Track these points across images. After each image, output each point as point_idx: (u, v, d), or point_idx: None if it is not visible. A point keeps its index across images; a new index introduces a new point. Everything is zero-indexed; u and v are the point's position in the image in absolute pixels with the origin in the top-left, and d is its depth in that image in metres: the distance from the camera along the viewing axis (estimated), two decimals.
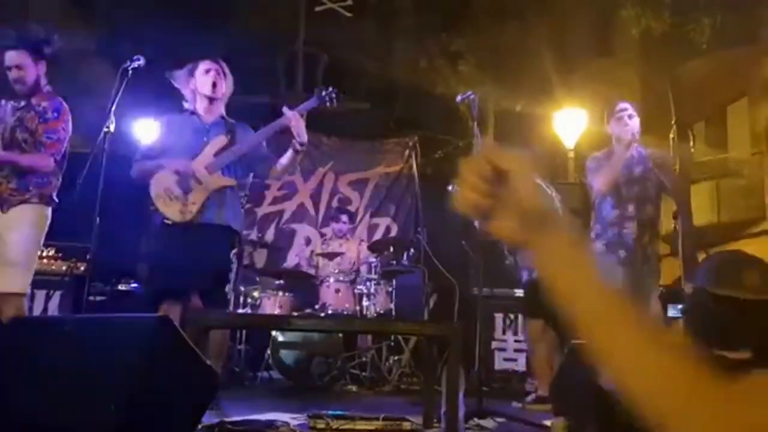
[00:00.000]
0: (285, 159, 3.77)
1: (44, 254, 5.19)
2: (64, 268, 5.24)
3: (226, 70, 3.85)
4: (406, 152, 7.08)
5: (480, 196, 0.68)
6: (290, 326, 4.35)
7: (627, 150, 4.00)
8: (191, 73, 3.81)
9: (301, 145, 3.69)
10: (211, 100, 3.79)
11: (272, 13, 8.12)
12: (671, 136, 7.84)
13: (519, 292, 5.30)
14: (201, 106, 3.81)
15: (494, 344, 5.47)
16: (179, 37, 7.97)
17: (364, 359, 5.45)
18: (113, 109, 3.56)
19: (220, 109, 3.85)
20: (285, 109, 3.70)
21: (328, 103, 3.79)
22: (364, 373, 5.34)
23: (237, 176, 3.80)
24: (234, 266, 3.77)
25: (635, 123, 4.06)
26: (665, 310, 2.03)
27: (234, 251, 3.74)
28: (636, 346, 0.62)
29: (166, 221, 3.63)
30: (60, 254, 5.28)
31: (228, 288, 3.71)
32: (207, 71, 3.77)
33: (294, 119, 3.64)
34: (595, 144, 5.25)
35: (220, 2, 8.34)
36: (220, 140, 3.72)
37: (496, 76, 10.61)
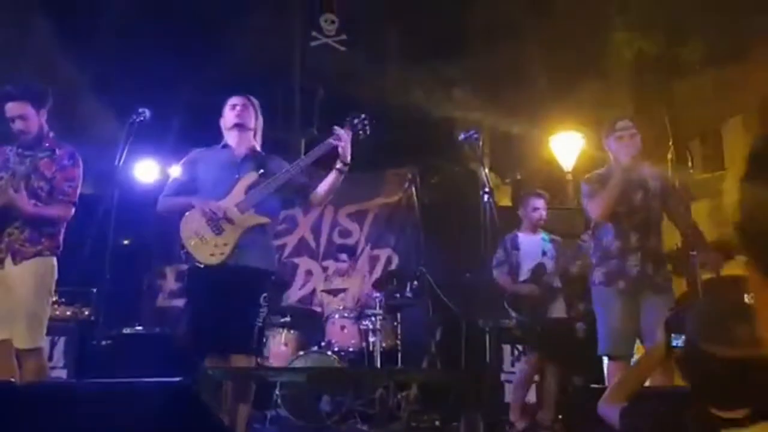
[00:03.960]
0: (327, 182, 3.69)
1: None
2: (68, 313, 5.21)
3: (255, 104, 3.81)
4: (405, 183, 7.10)
5: None
6: (300, 375, 4.30)
7: (626, 173, 3.69)
8: (222, 113, 3.82)
9: (345, 165, 3.64)
10: (239, 128, 3.72)
11: (267, 48, 8.17)
12: (669, 156, 7.87)
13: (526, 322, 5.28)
14: (232, 140, 3.75)
15: (503, 376, 5.44)
16: (175, 72, 8.01)
17: (372, 396, 5.42)
18: (121, 163, 3.54)
19: (251, 142, 3.77)
20: (336, 129, 3.65)
21: (360, 132, 3.71)
22: (372, 411, 5.29)
23: (270, 212, 3.68)
24: (264, 310, 3.60)
25: (637, 142, 3.72)
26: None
27: (264, 295, 3.60)
28: None
29: (197, 264, 3.53)
30: (63, 299, 5.25)
31: (254, 332, 3.56)
32: (233, 107, 3.76)
33: (343, 139, 3.60)
34: (591, 166, 5.18)
35: (216, 38, 8.38)
36: (251, 176, 3.61)
37: (491, 100, 10.66)
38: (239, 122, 3.72)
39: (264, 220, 3.62)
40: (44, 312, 3.53)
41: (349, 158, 3.63)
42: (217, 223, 3.53)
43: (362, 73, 8.87)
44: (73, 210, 3.61)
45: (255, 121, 3.80)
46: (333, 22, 9.07)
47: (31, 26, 8.19)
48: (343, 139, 3.60)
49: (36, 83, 3.73)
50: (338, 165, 3.63)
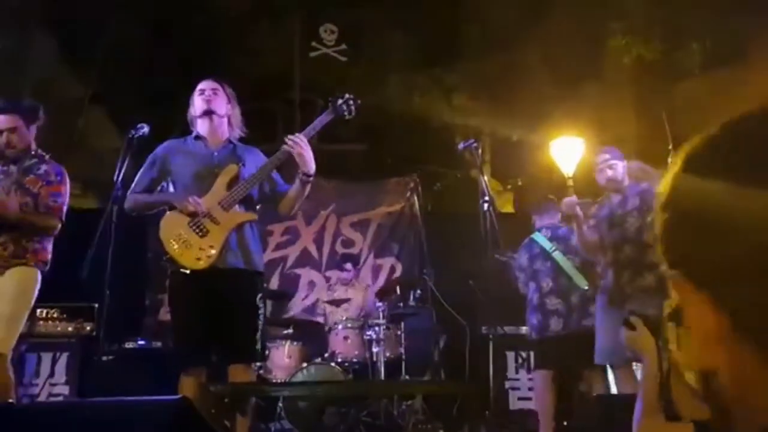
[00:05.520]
0: (290, 193, 3.38)
1: (49, 315, 5.16)
2: (70, 329, 5.20)
3: (227, 89, 3.46)
4: (408, 192, 7.09)
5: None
6: (304, 390, 4.27)
7: (580, 225, 4.04)
8: (191, 101, 3.48)
9: (307, 175, 3.29)
10: (209, 115, 3.39)
11: (266, 59, 8.20)
12: (669, 160, 7.86)
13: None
14: (203, 129, 3.42)
15: (507, 384, 5.41)
16: (174, 85, 8.02)
17: (376, 407, 5.38)
18: (120, 178, 3.52)
19: (225, 130, 3.43)
20: (288, 137, 3.30)
21: (346, 114, 3.41)
22: (377, 421, 5.26)
23: (255, 208, 3.41)
24: (262, 312, 3.34)
25: (618, 170, 4.07)
26: None
27: (260, 295, 3.34)
28: None
29: (182, 271, 3.21)
30: (65, 315, 5.24)
31: (258, 336, 3.30)
32: (201, 92, 3.42)
33: (295, 147, 3.23)
34: (591, 173, 5.23)
35: (215, 50, 8.41)
36: (231, 170, 3.31)
37: (491, 106, 10.68)
38: (209, 108, 3.38)
39: (251, 216, 3.35)
40: (17, 318, 3.44)
41: (311, 167, 3.27)
42: (200, 223, 3.20)
43: (362, 82, 8.88)
44: (59, 225, 3.55)
45: (227, 106, 3.44)
46: (332, 32, 9.09)
47: (33, 42, 8.23)
48: (298, 145, 3.24)
49: (29, 100, 3.73)
50: (300, 175, 3.30)
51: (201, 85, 3.44)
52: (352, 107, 3.45)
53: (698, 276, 0.60)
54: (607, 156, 4.09)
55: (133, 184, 3.43)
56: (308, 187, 3.37)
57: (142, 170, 3.46)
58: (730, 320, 0.58)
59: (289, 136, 3.30)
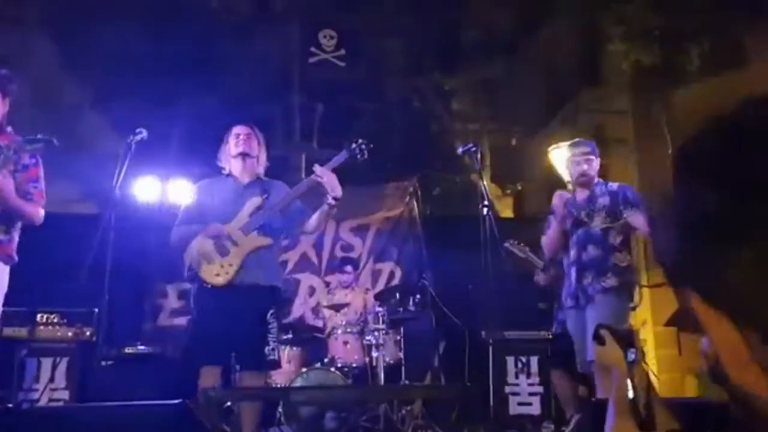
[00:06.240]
0: (316, 216, 3.86)
1: (49, 320, 5.15)
2: (69, 334, 5.18)
3: (258, 134, 4.00)
4: (407, 196, 7.09)
5: None
6: (305, 397, 4.46)
7: (559, 223, 3.99)
8: (226, 140, 3.98)
9: (336, 200, 3.72)
10: (243, 157, 3.89)
11: (266, 66, 8.21)
12: (668, 163, 7.87)
13: (530, 334, 5.26)
14: (236, 168, 3.92)
15: (507, 389, 5.40)
16: (174, 89, 8.05)
17: (376, 412, 5.38)
18: (119, 183, 3.50)
19: (256, 169, 3.96)
20: (316, 167, 3.76)
21: (359, 156, 3.82)
22: (377, 426, 5.26)
23: (273, 234, 3.85)
24: (273, 326, 3.78)
25: (593, 165, 4.00)
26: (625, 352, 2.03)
27: (272, 311, 3.79)
28: None
29: (205, 285, 3.70)
30: (65, 320, 5.23)
31: (267, 349, 3.73)
32: (237, 135, 3.93)
33: (325, 175, 3.68)
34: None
35: (215, 54, 8.44)
36: (255, 201, 3.81)
37: (490, 111, 10.70)
38: (243, 151, 3.88)
39: (266, 241, 3.79)
40: None
41: (338, 192, 3.69)
42: (222, 245, 3.71)
43: (361, 87, 8.91)
44: (42, 213, 3.30)
45: (258, 148, 3.97)
46: (332, 37, 9.11)
47: (34, 47, 8.25)
48: (324, 175, 3.69)
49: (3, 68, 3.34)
50: (328, 200, 3.74)
51: (236, 130, 3.96)
52: (365, 151, 3.83)
53: (714, 295, 0.54)
54: (587, 149, 4.02)
55: (177, 220, 3.99)
56: (334, 210, 3.81)
57: (182, 208, 4.10)
58: (757, 335, 0.52)
59: (316, 168, 3.75)
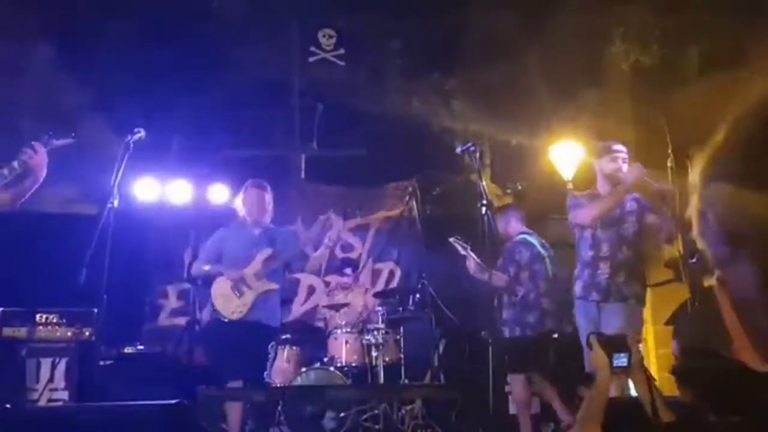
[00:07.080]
0: (316, 256, 5.17)
1: (48, 321, 5.15)
2: (69, 334, 5.18)
3: (269, 192, 4.90)
4: (407, 196, 7.09)
5: None
6: (304, 396, 4.81)
7: (622, 194, 3.98)
8: (242, 191, 4.93)
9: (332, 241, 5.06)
10: (258, 210, 4.85)
11: (266, 65, 8.19)
12: (669, 165, 7.86)
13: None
14: (250, 217, 4.87)
15: (507, 388, 5.40)
16: (174, 91, 8.03)
17: (375, 411, 5.38)
18: (117, 182, 3.50)
19: (266, 219, 4.91)
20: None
21: None
22: (377, 426, 5.26)
23: (279, 279, 4.87)
24: (271, 357, 4.96)
25: (626, 168, 4.06)
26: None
27: (271, 344, 4.95)
28: None
29: (220, 319, 4.71)
30: (64, 320, 5.22)
31: (266, 374, 4.92)
32: (250, 194, 4.87)
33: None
34: (591, 176, 5.25)
35: (214, 56, 8.42)
36: (266, 252, 4.76)
37: (490, 111, 10.68)
38: (257, 215, 4.83)
39: (274, 286, 4.80)
40: None
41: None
42: (239, 287, 4.69)
43: (361, 87, 8.90)
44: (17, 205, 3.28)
45: (269, 203, 4.89)
46: (331, 36, 9.09)
47: (33, 48, 8.24)
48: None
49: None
50: (326, 241, 4.98)
51: (250, 190, 4.90)
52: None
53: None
54: (624, 149, 4.10)
55: (198, 258, 5.02)
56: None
57: (203, 249, 5.07)
58: None
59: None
